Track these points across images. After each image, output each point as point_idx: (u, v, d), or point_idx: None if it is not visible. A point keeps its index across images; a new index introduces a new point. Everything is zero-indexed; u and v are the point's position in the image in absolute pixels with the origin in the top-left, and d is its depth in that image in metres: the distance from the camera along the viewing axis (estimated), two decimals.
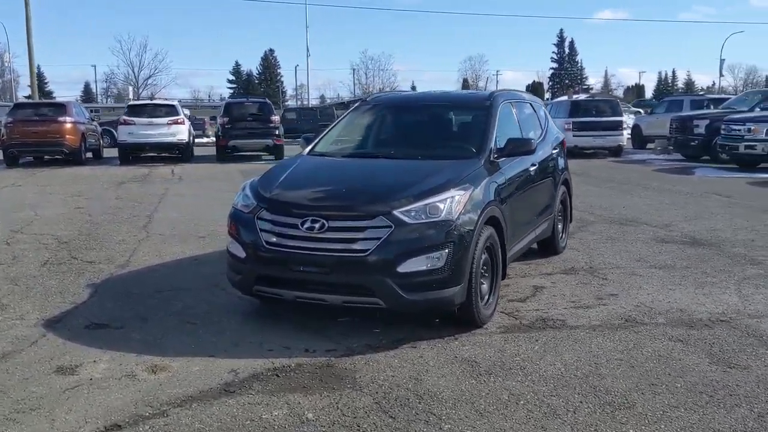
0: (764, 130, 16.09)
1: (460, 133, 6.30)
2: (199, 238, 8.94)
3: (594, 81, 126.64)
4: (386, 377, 4.38)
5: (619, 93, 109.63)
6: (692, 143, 19.03)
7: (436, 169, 5.44)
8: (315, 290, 5.02)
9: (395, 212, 4.86)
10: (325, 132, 6.57)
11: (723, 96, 26.85)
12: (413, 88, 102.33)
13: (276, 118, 21.18)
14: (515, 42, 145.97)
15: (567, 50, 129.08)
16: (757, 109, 18.54)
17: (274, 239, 5.06)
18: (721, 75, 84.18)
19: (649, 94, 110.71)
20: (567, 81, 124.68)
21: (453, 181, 5.21)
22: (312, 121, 32.92)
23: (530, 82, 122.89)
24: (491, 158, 5.73)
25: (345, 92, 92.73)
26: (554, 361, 4.59)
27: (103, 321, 5.56)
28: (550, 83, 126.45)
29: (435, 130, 6.39)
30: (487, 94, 6.61)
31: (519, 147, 5.87)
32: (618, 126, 21.61)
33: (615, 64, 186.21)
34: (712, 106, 21.88)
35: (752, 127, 16.26)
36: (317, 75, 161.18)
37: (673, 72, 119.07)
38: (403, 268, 4.78)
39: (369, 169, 5.70)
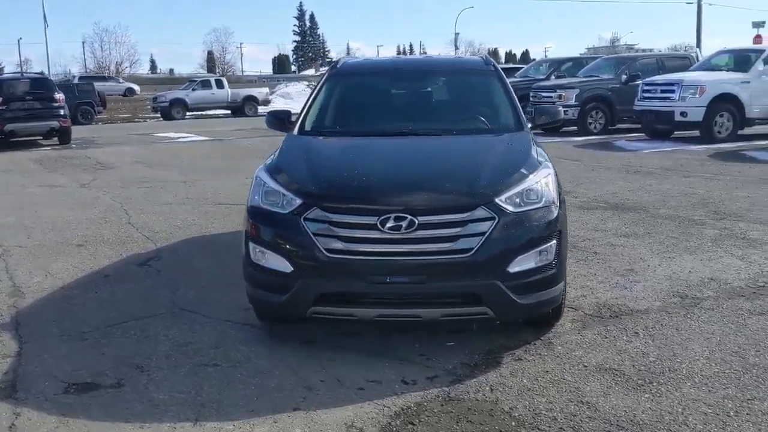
0: (573, 96, 17.10)
1: (479, 102, 5.49)
2: (77, 246, 7.14)
3: (336, 54, 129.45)
4: (538, 402, 3.60)
5: None
6: (565, 114, 19.57)
7: (496, 146, 4.64)
8: (406, 305, 3.99)
9: (497, 200, 3.99)
10: (304, 107, 5.37)
11: (515, 66, 28.37)
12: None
13: (61, 96, 18.18)
14: (258, 14, 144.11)
15: (308, 23, 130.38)
16: (553, 77, 19.69)
17: (339, 245, 3.93)
18: (456, 48, 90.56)
19: None
20: (311, 54, 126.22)
21: (531, 159, 4.46)
22: (70, 98, 29.17)
23: (276, 55, 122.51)
24: (530, 130, 5.05)
25: (77, 68, 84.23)
26: (695, 355, 4.08)
27: (83, 378, 4.01)
28: (294, 56, 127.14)
29: (447, 99, 5.55)
30: (481, 59, 5.90)
31: (552, 117, 5.23)
32: None
33: (355, 37, 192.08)
34: (566, 75, 22.70)
35: (562, 94, 17.19)
36: (40, 49, 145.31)
37: (411, 45, 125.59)
38: (513, 268, 3.95)
39: (419, 150, 4.70)
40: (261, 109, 34.88)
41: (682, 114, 14.70)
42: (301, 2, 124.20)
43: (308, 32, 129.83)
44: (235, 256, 6.52)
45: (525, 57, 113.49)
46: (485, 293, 3.92)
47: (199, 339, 4.57)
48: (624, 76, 17.75)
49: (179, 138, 20.88)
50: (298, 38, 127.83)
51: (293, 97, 43.71)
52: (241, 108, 33.91)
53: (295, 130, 5.12)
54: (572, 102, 17.07)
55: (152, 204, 9.43)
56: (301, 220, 4.02)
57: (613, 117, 17.41)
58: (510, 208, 3.99)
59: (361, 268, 3.92)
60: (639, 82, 16.78)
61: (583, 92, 17.25)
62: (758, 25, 37.22)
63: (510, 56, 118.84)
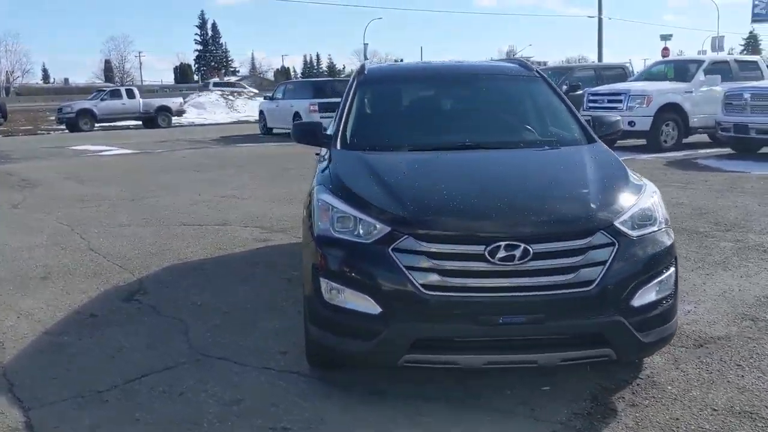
0: None
1: (533, 111, 4.96)
2: (41, 279, 6.18)
3: (239, 63, 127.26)
4: None
5: (269, 76, 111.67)
6: None
7: (584, 161, 4.12)
8: (520, 349, 3.40)
9: (616, 223, 3.47)
10: (338, 119, 4.69)
11: None
12: None
13: None
14: (157, 23, 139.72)
15: (210, 32, 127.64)
16: (564, 86, 19.51)
17: (438, 280, 3.31)
18: (366, 58, 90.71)
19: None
20: (214, 63, 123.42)
21: (629, 175, 3.99)
22: None
23: (177, 64, 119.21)
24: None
25: None
26: None
27: None
28: (197, 66, 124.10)
29: (496, 108, 4.99)
30: (518, 64, 5.39)
31: (611, 128, 4.78)
32: None
33: (259, 47, 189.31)
34: None
35: None
36: None
37: (317, 55, 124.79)
38: (636, 301, 3.44)
39: (504, 167, 4.12)
40: (175, 120, 33.45)
41: (630, 123, 14.75)
42: (202, 11, 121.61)
43: (210, 41, 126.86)
44: (233, 286, 5.81)
45: None
46: (609, 332, 3.39)
47: (248, 394, 3.82)
48: (564, 87, 17.80)
49: (102, 151, 19.44)
50: (200, 47, 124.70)
51: (206, 107, 42.24)
52: (153, 119, 32.30)
53: (337, 145, 4.44)
54: None
55: (108, 226, 8.43)
56: (390, 250, 3.38)
57: None
58: (630, 232, 3.48)
59: (467, 306, 3.31)
60: (580, 92, 16.84)
61: None
62: (666, 37, 38.75)
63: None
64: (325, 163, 4.34)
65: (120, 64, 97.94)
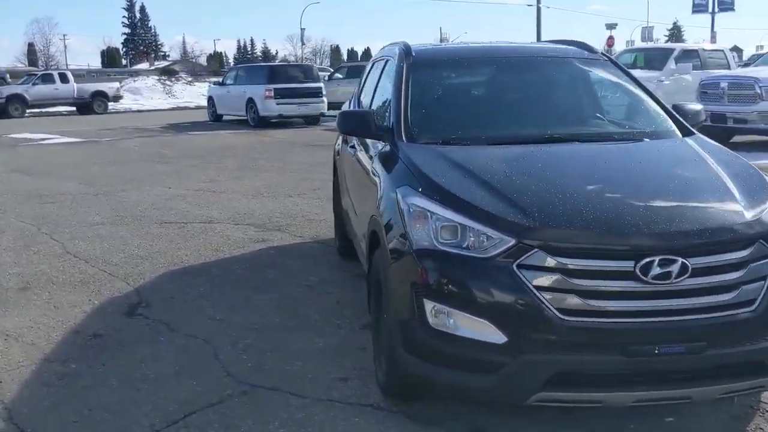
0: None
1: (609, 97, 4.42)
2: (20, 291, 5.37)
3: (168, 48, 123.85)
4: None
5: (202, 61, 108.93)
6: None
7: (699, 156, 3.62)
8: (675, 383, 2.86)
9: None
10: (398, 107, 4.03)
11: None
12: None
13: None
14: (84, 4, 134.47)
15: (138, 15, 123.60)
16: None
17: (577, 302, 2.75)
18: (303, 44, 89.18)
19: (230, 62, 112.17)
20: (143, 48, 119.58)
21: (760, 173, 3.50)
22: None
23: (104, 48, 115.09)
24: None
25: None
26: None
27: None
28: (125, 50, 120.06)
29: (573, 95, 4.44)
30: (578, 44, 4.84)
31: (695, 118, 4.29)
32: (319, 92, 20.46)
33: (190, 31, 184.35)
34: None
35: None
36: None
37: (252, 40, 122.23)
38: None
39: (621, 164, 3.56)
40: (111, 106, 31.83)
41: None
42: None
43: (139, 24, 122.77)
44: (249, 296, 5.11)
45: (367, 54, 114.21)
46: None
47: None
48: None
49: (44, 140, 18.09)
50: (128, 30, 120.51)
51: (143, 92, 40.53)
52: (89, 105, 30.65)
53: (402, 137, 3.80)
54: None
55: (79, 226, 7.55)
56: (515, 267, 2.79)
57: None
58: None
59: (614, 334, 2.76)
60: None
61: None
62: (611, 26, 39.08)
63: (352, 53, 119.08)
64: (390, 160, 3.71)
65: (44, 47, 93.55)
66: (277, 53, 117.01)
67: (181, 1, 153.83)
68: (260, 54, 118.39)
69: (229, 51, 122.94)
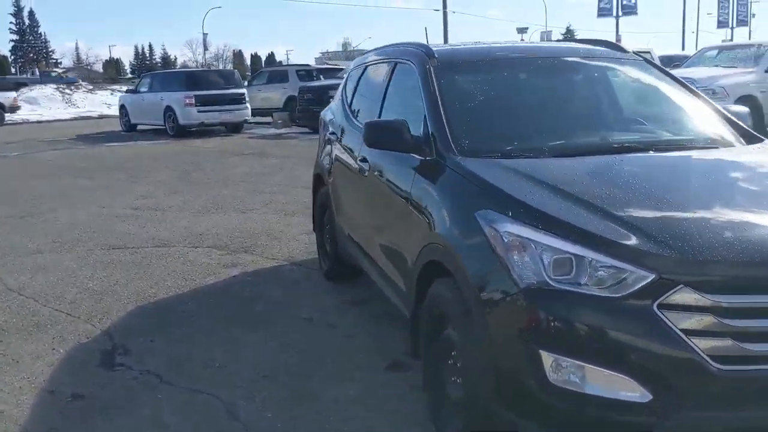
0: None
1: (656, 101, 4.02)
2: (40, 327, 4.50)
3: (60, 54, 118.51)
4: None
5: (98, 68, 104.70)
6: None
7: None
8: None
9: None
10: (435, 117, 3.49)
11: (331, 66, 26.76)
12: None
13: None
14: None
15: (27, 21, 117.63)
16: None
17: (735, 347, 2.32)
18: (205, 49, 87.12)
19: (127, 68, 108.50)
20: (32, 55, 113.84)
21: None
22: None
23: None
24: None
25: None
26: None
27: None
28: (13, 57, 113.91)
29: (614, 99, 4.02)
30: (607, 44, 4.45)
31: (745, 121, 3.96)
32: (243, 99, 19.54)
33: (84, 37, 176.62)
34: (322, 77, 21.51)
35: None
36: None
37: (150, 46, 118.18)
38: None
39: (710, 177, 3.13)
40: (8, 117, 29.63)
41: None
42: None
43: (28, 31, 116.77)
44: (243, 335, 4.42)
45: (271, 59, 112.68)
46: None
47: None
48: None
49: None
50: (16, 37, 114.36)
51: (40, 102, 38.16)
52: None
53: (453, 150, 3.27)
54: None
55: (14, 255, 6.62)
56: (655, 308, 2.33)
57: None
58: None
59: None
60: None
61: None
62: (522, 30, 39.68)
63: (255, 58, 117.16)
64: (445, 178, 3.19)
65: None
66: (176, 59, 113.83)
67: (73, 6, 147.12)
68: (159, 60, 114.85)
69: (125, 57, 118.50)
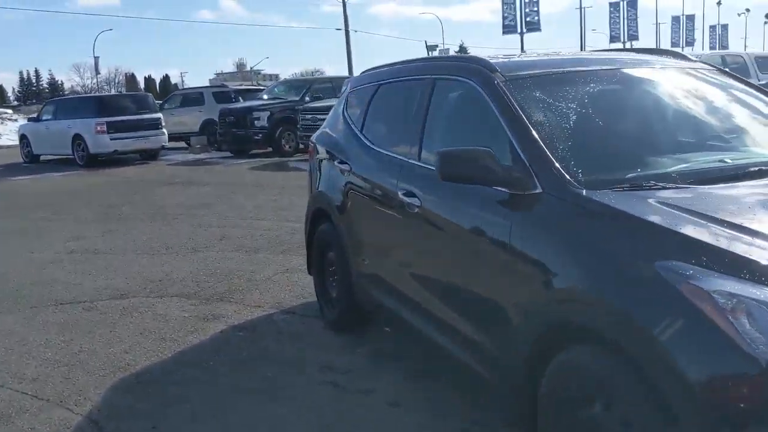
0: None
1: (754, 114, 3.53)
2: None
3: None
4: None
5: None
6: (256, 137, 17.41)
7: None
8: None
9: None
10: (525, 144, 2.87)
11: (251, 87, 25.54)
12: None
13: None
14: None
15: None
16: (307, 98, 18.06)
17: None
18: (97, 73, 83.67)
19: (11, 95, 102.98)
20: None
21: None
22: None
23: None
24: None
25: None
26: None
27: None
28: None
29: (711, 112, 3.51)
30: (672, 54, 3.98)
31: None
32: (159, 124, 18.32)
33: None
34: (241, 98, 20.55)
35: None
36: None
37: (36, 71, 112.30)
38: None
39: None
40: None
41: None
42: None
43: None
44: (260, 409, 3.58)
45: (165, 83, 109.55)
46: None
47: None
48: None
49: None
50: None
51: None
52: None
53: (572, 182, 2.66)
54: None
55: None
56: None
57: None
58: None
59: None
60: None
61: None
62: (432, 48, 39.83)
63: (149, 81, 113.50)
64: (575, 217, 2.58)
65: None
66: (62, 84, 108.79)
67: None
68: (47, 86, 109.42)
69: (8, 84, 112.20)
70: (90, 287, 6.27)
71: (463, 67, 3.55)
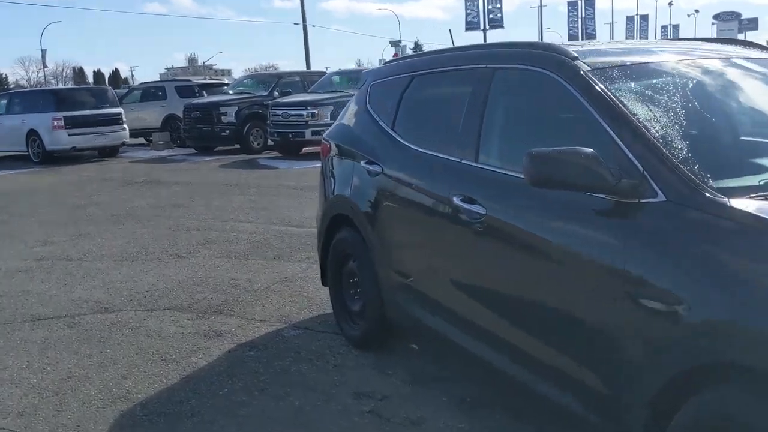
0: (328, 114, 15.08)
1: None
2: None
3: None
4: None
5: None
6: (223, 133, 16.73)
7: None
8: None
9: None
10: (639, 142, 2.43)
11: (215, 81, 24.63)
12: None
13: None
14: None
15: None
16: (276, 93, 17.46)
17: None
18: (45, 66, 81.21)
19: None
20: None
21: None
22: None
23: None
24: None
25: None
26: None
27: None
28: None
29: None
30: (744, 42, 3.60)
31: None
32: (119, 119, 17.45)
33: None
34: (205, 93, 19.78)
35: (315, 112, 15.07)
36: None
37: None
38: None
39: None
40: None
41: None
42: None
43: None
44: None
45: (115, 77, 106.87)
46: None
47: None
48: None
49: None
50: None
51: None
52: None
53: (706, 189, 2.24)
54: (328, 120, 15.00)
55: None
56: None
57: None
58: None
59: None
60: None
61: (337, 109, 15.26)
62: (395, 44, 39.41)
63: (98, 75, 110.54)
64: (722, 236, 2.16)
65: None
66: (6, 78, 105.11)
67: None
68: None
69: None
70: (68, 300, 5.66)
71: (534, 56, 3.09)
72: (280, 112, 15.36)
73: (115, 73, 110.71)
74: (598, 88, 2.71)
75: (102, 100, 17.57)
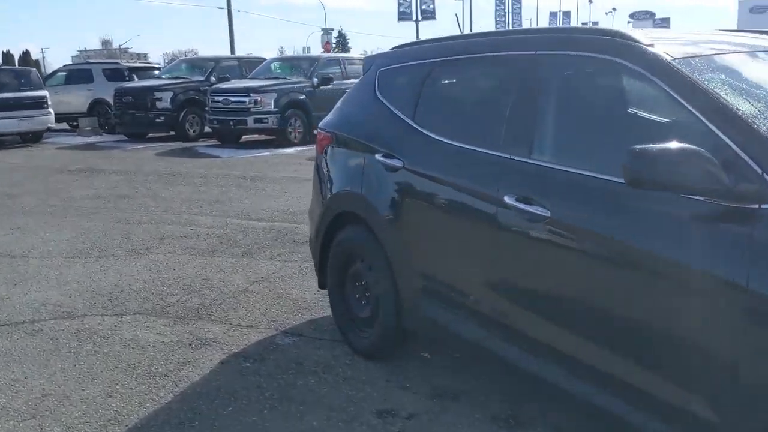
0: (272, 102, 14.55)
1: None
2: None
3: None
4: None
5: None
6: (158, 120, 15.92)
7: None
8: None
9: None
10: (753, 141, 2.19)
11: (146, 65, 23.37)
12: None
13: None
14: None
15: None
16: (213, 78, 16.76)
17: None
18: None
19: None
20: None
21: None
22: None
23: None
24: None
25: None
26: None
27: None
28: None
29: None
30: None
31: None
32: (44, 102, 16.33)
33: None
34: (136, 77, 18.80)
35: (258, 99, 14.50)
36: None
37: None
38: None
39: None
40: None
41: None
42: None
43: None
44: None
45: (26, 58, 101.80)
46: None
47: None
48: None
49: None
50: None
51: None
52: None
53: None
54: (271, 108, 14.46)
55: None
56: None
57: (310, 124, 15.10)
58: None
59: None
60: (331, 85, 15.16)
61: (281, 97, 14.71)
62: (327, 32, 38.67)
63: (7, 56, 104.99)
64: None
65: None
66: None
67: None
68: None
69: None
70: (22, 303, 5.08)
71: (603, 43, 2.80)
72: (221, 98, 14.71)
73: (25, 54, 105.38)
74: (695, 82, 2.44)
75: (25, 82, 16.42)
